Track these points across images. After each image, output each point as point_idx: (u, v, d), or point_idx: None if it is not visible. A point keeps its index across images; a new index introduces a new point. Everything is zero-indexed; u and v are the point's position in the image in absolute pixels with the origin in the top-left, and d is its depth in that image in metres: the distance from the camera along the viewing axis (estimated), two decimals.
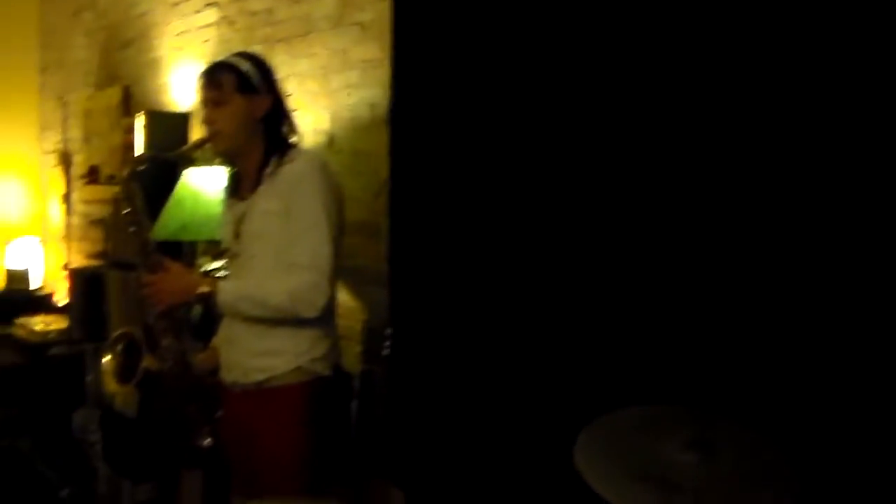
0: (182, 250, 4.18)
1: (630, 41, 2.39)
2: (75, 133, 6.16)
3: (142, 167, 2.92)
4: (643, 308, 2.39)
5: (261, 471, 2.71)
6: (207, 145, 2.76)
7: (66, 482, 4.83)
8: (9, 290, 6.78)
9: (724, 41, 2.21)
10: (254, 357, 2.67)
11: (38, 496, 4.88)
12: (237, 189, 2.80)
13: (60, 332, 5.70)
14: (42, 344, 5.65)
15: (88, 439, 4.44)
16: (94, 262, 5.45)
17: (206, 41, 4.90)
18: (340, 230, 2.67)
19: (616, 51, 2.42)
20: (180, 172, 4.06)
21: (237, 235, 2.71)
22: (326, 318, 2.70)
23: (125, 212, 2.79)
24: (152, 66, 5.39)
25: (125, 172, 2.91)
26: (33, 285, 6.80)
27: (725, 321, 2.22)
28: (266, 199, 2.63)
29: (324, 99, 3.97)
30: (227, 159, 2.86)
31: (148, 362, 2.87)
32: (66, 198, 6.00)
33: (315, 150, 3.68)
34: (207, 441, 2.85)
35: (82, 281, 5.24)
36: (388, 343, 3.14)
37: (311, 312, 2.59)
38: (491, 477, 2.76)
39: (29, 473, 4.98)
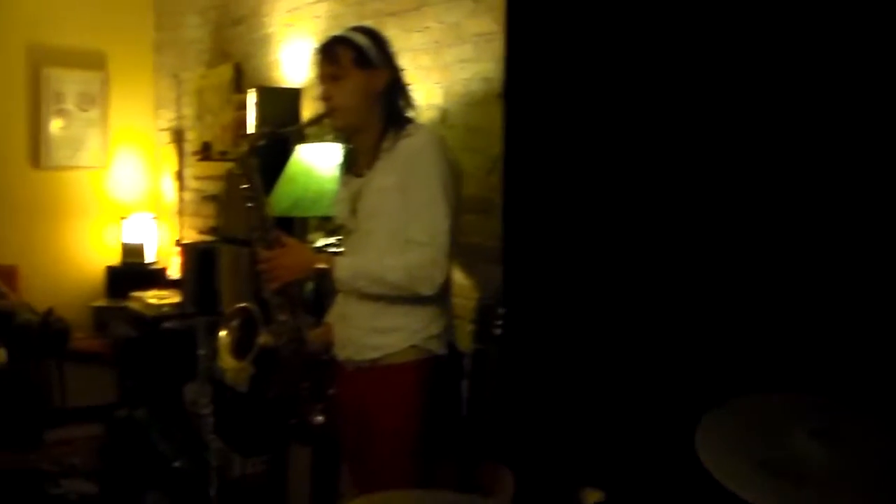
0: (293, 226, 4.21)
1: (752, 28, 2.31)
2: (188, 110, 6.25)
3: (260, 142, 2.92)
4: (765, 291, 2.31)
5: (372, 449, 2.71)
6: (325, 121, 2.75)
7: (180, 453, 4.93)
8: (124, 265, 6.94)
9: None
10: (368, 334, 2.65)
11: (153, 466, 4.99)
12: (353, 165, 2.77)
13: (173, 306, 5.81)
14: (156, 317, 5.77)
15: (200, 412, 4.51)
16: (206, 238, 5.52)
17: (316, 17, 4.90)
18: (457, 206, 2.62)
19: (738, 35, 2.35)
20: (292, 148, 4.08)
21: (353, 212, 2.68)
22: (442, 296, 2.67)
23: (243, 187, 2.78)
24: (263, 42, 5.43)
25: (244, 148, 2.90)
26: (148, 260, 6.94)
27: (849, 309, 2.14)
28: (383, 175, 2.60)
29: (436, 73, 3.94)
30: (343, 135, 2.85)
31: (264, 338, 2.87)
32: (179, 174, 6.10)
33: (431, 125, 3.64)
34: (319, 418, 2.85)
35: (195, 256, 5.32)
36: (500, 322, 3.10)
37: (428, 289, 2.56)
38: (602, 460, 2.71)
39: (144, 444, 5.09)
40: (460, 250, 2.84)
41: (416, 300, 2.59)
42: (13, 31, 6.79)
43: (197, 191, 6.35)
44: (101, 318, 6.70)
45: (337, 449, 3.15)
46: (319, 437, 3.10)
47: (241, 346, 2.98)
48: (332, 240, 3.81)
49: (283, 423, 3.74)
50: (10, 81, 6.84)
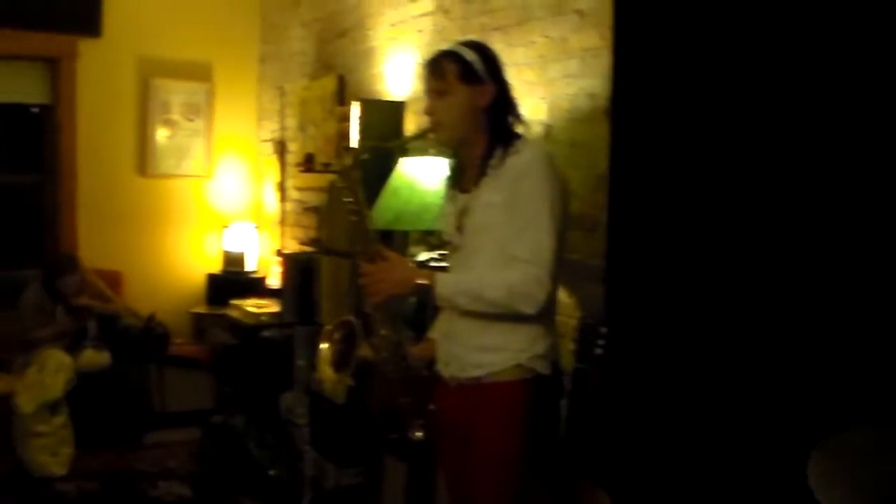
0: (394, 240, 4.21)
1: (866, 38, 2.23)
2: (291, 122, 6.33)
3: (365, 156, 2.92)
4: (881, 317, 2.22)
5: (473, 468, 2.67)
6: (430, 135, 2.74)
7: (274, 462, 4.97)
8: (225, 273, 7.05)
9: None
10: (472, 352, 2.63)
11: (248, 473, 5.04)
12: (459, 180, 2.75)
13: (272, 315, 5.85)
14: (254, 326, 5.83)
15: (296, 422, 4.53)
16: (306, 249, 5.57)
17: (420, 31, 4.92)
18: (565, 224, 2.59)
19: (850, 47, 2.26)
20: (395, 162, 4.09)
21: (459, 228, 2.67)
22: (548, 314, 2.63)
23: (346, 200, 2.78)
24: (367, 55, 5.46)
25: (348, 161, 2.91)
26: (248, 269, 7.03)
27: None
28: (490, 192, 2.58)
29: (541, 88, 3.91)
30: (450, 150, 2.83)
31: (364, 351, 2.87)
32: (281, 185, 6.17)
33: (540, 141, 3.61)
34: (419, 434, 2.83)
35: (295, 266, 5.36)
36: (602, 342, 3.05)
37: (530, 308, 2.52)
38: (703, 487, 2.64)
39: (240, 450, 5.15)
40: (563, 268, 2.80)
41: (521, 319, 2.55)
42: (124, 43, 6.97)
43: (298, 202, 6.41)
44: (200, 325, 6.82)
45: (433, 465, 3.13)
46: (417, 453, 3.08)
47: (341, 359, 2.99)
48: (433, 254, 3.81)
49: (381, 436, 3.74)
50: (121, 92, 7.03)
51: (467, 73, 2.61)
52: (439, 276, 2.63)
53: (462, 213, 2.66)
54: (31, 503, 4.95)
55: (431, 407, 2.82)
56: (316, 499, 4.36)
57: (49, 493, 5.08)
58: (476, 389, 2.64)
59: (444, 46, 2.81)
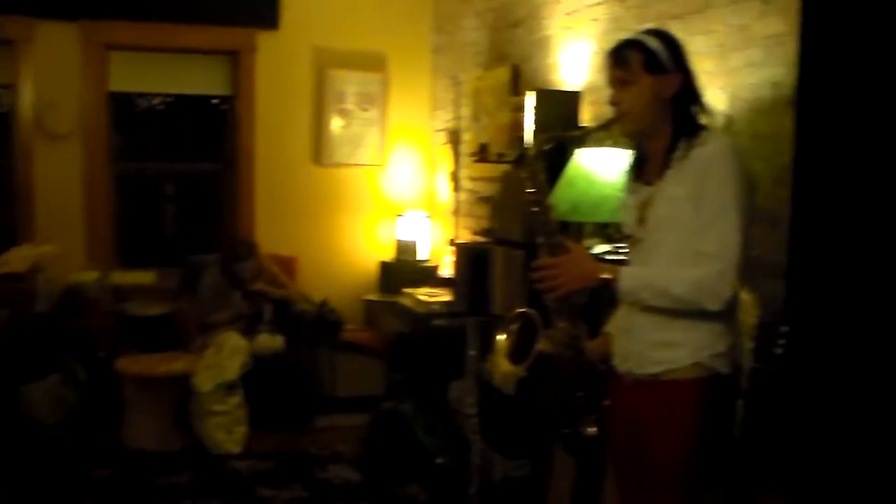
0: (568, 231, 4.16)
1: None
2: (465, 112, 6.34)
3: (548, 146, 2.88)
4: None
5: (643, 466, 2.61)
6: (614, 126, 2.68)
7: (442, 450, 5.00)
8: (398, 261, 7.13)
9: None
10: (652, 348, 2.56)
11: (415, 460, 5.09)
12: (641, 172, 2.69)
13: (444, 304, 5.87)
14: (426, 314, 5.86)
15: (465, 411, 4.54)
16: (479, 239, 5.57)
17: (595, 20, 4.84)
18: (750, 219, 2.49)
19: None
20: (570, 153, 4.04)
21: (641, 221, 2.60)
22: (730, 312, 2.54)
23: (528, 191, 2.75)
24: (541, 45, 5.42)
25: (531, 151, 2.88)
26: (420, 257, 7.10)
27: None
28: (674, 184, 2.50)
29: (721, 78, 3.78)
30: (633, 141, 2.77)
31: (542, 344, 2.84)
32: (455, 175, 6.19)
33: (725, 133, 3.49)
34: (592, 429, 2.79)
35: (467, 256, 5.36)
36: (782, 341, 2.93)
37: (715, 305, 2.44)
38: (887, 496, 2.51)
39: (408, 437, 5.20)
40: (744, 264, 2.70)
41: (703, 315, 2.47)
42: (301, 35, 7.15)
43: (472, 191, 6.42)
44: (372, 312, 6.92)
45: (603, 462, 3.08)
46: (587, 448, 3.02)
47: (517, 351, 2.96)
48: (609, 247, 3.75)
49: (551, 430, 3.71)
50: (298, 82, 7.20)
51: (651, 63, 2.55)
52: (622, 269, 2.58)
53: (644, 206, 2.59)
54: (206, 478, 5.14)
55: (605, 402, 2.77)
56: (482, 489, 4.37)
57: (224, 469, 5.26)
58: (653, 386, 2.57)
59: (621, 36, 2.74)
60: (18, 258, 3.30)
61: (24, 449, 5.30)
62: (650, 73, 2.55)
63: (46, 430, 5.43)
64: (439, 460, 4.96)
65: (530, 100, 4.82)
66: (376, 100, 7.32)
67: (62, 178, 6.84)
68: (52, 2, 6.68)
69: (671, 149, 2.54)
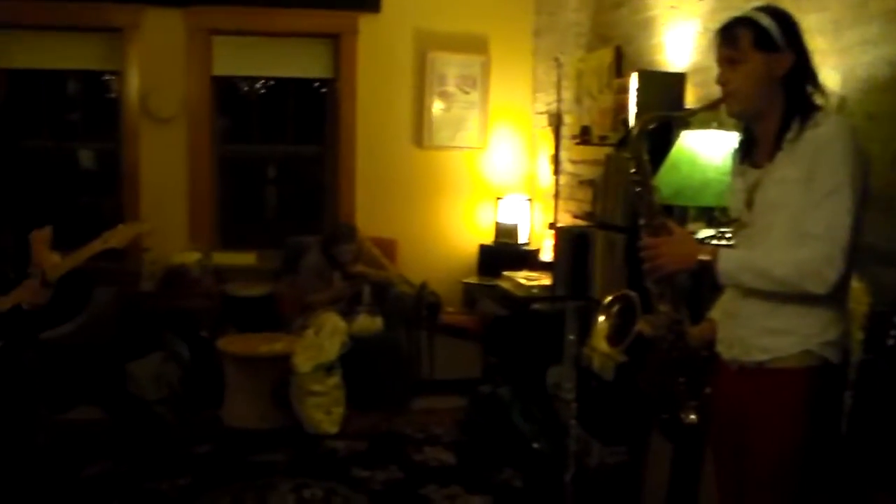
0: (672, 215, 4.08)
1: None
2: (567, 94, 6.26)
3: (651, 126, 2.81)
4: None
5: (747, 457, 2.53)
6: (721, 107, 2.60)
7: (539, 435, 4.97)
8: (497, 244, 7.11)
9: None
10: (758, 335, 2.47)
11: (511, 444, 5.06)
12: (750, 154, 2.59)
13: (543, 287, 5.83)
14: (525, 298, 5.82)
15: (562, 396, 4.50)
16: (580, 222, 5.51)
17: None
18: (863, 203, 2.38)
19: None
20: (676, 134, 3.95)
21: (749, 204, 2.51)
22: (840, 298, 2.44)
23: (631, 171, 2.69)
24: (645, 25, 5.31)
25: (634, 131, 2.81)
26: (521, 241, 7.06)
27: None
28: (785, 167, 2.41)
29: (833, 57, 3.64)
30: (740, 121, 2.68)
31: (641, 327, 2.78)
32: (556, 157, 6.12)
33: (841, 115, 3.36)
34: (692, 416, 2.71)
35: (568, 240, 5.30)
36: (894, 332, 2.82)
37: (819, 288, 2.33)
38: None
39: (504, 421, 5.18)
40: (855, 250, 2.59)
41: (812, 301, 2.37)
42: (402, 18, 7.16)
43: (573, 175, 6.35)
44: (471, 295, 6.91)
45: (702, 450, 3.01)
46: (686, 436, 2.96)
47: (617, 334, 2.91)
48: (713, 231, 3.65)
49: (650, 416, 3.64)
50: (400, 65, 7.22)
51: (762, 40, 2.45)
52: (722, 251, 2.49)
53: (752, 189, 2.50)
54: (304, 457, 5.19)
55: (707, 390, 2.69)
56: (578, 475, 4.32)
57: (321, 449, 5.31)
58: (758, 374, 2.49)
59: (729, 14, 2.64)
60: (118, 235, 3.37)
61: (129, 424, 5.42)
62: (761, 51, 2.45)
63: (150, 406, 5.55)
64: (535, 445, 4.93)
65: (634, 81, 4.73)
66: (477, 82, 7.29)
67: (167, 160, 6.99)
68: None
69: (783, 130, 2.44)
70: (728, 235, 3.10)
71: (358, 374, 5.81)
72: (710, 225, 3.77)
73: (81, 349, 5.78)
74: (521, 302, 5.80)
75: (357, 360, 5.79)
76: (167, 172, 7.01)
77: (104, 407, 5.69)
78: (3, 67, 6.83)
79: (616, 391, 4.02)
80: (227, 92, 7.40)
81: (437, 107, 7.26)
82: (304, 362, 5.56)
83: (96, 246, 3.36)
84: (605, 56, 5.59)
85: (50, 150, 7.04)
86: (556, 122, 6.14)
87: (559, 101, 6.00)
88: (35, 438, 3.62)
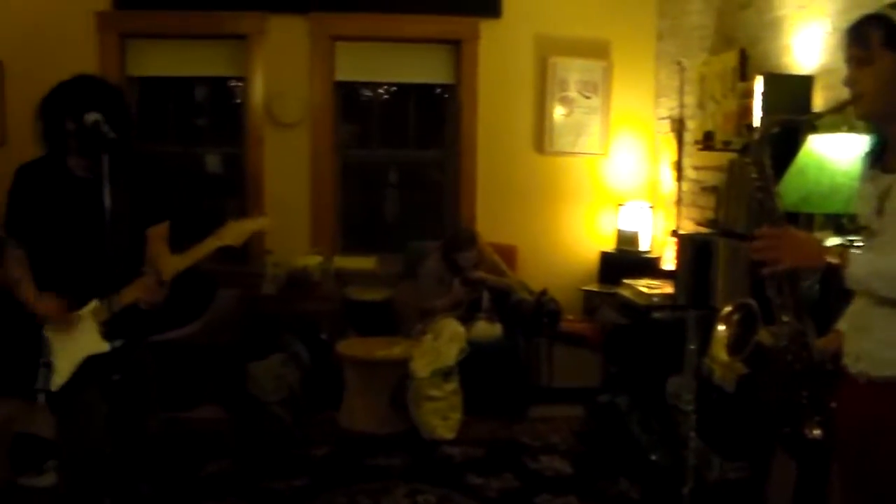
0: (798, 223, 3.94)
1: None
2: (689, 99, 6.13)
3: (774, 130, 2.71)
4: None
5: (877, 477, 2.40)
6: (849, 109, 2.48)
7: (657, 446, 4.86)
8: (618, 251, 7.01)
9: None
10: (889, 348, 2.34)
11: (629, 455, 4.97)
12: (881, 158, 2.46)
13: (664, 296, 5.72)
14: (646, 307, 5.73)
15: (681, 407, 4.39)
16: (703, 230, 5.38)
17: None
18: None
19: None
20: (802, 139, 3.81)
21: (879, 212, 2.37)
22: None
23: (752, 177, 2.59)
24: (772, 26, 5.15)
25: (755, 135, 2.72)
26: (642, 248, 6.95)
27: None
28: None
29: None
30: (871, 125, 2.56)
31: (762, 336, 2.68)
32: (678, 164, 6.00)
33: None
34: (817, 432, 2.59)
35: (690, 247, 5.19)
36: None
37: None
38: None
39: (622, 431, 5.09)
40: None
41: None
42: (523, 23, 7.12)
43: (695, 181, 6.22)
44: (591, 303, 6.82)
45: (827, 467, 2.88)
46: (810, 452, 2.83)
47: (736, 343, 2.81)
48: (841, 239, 3.51)
49: (772, 431, 3.52)
50: (521, 70, 7.19)
51: (894, 39, 2.33)
52: (853, 254, 2.37)
53: (883, 196, 2.36)
54: (418, 462, 5.20)
55: (833, 404, 2.58)
56: (697, 489, 4.20)
57: (437, 454, 5.31)
58: (889, 390, 2.36)
59: (861, 12, 2.51)
60: (232, 232, 3.38)
61: (248, 424, 5.52)
62: (892, 50, 2.33)
63: (269, 407, 5.63)
64: (653, 457, 4.83)
65: (759, 85, 4.60)
66: (599, 87, 7.20)
67: (290, 165, 7.11)
68: None
69: None
70: (857, 244, 2.96)
71: (476, 380, 5.79)
72: (837, 233, 3.63)
73: (204, 349, 5.92)
74: (642, 310, 5.71)
75: (475, 366, 5.77)
76: (290, 176, 7.12)
77: (225, 406, 5.82)
78: (136, 75, 7.04)
79: (738, 403, 3.90)
80: (349, 97, 7.48)
81: (558, 112, 7.20)
82: (422, 367, 5.58)
83: (211, 244, 3.36)
84: (730, 59, 5.44)
85: (177, 155, 7.22)
86: (678, 127, 6.03)
87: (682, 105, 5.89)
88: (150, 438, 3.67)
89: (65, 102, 3.27)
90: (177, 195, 3.80)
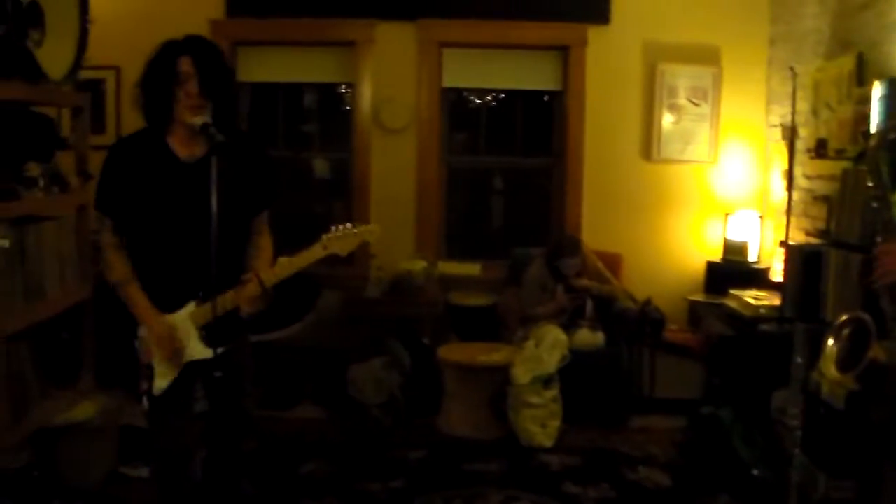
0: None
1: None
2: (802, 105, 5.97)
3: (892, 136, 2.61)
4: None
5: None
6: None
7: (760, 462, 4.74)
8: (725, 261, 6.88)
9: None
10: None
11: (730, 469, 4.86)
12: None
13: (772, 308, 5.59)
14: (752, 318, 5.61)
15: (787, 423, 4.27)
16: (813, 240, 5.24)
17: None
18: None
19: None
20: None
21: None
22: None
23: (868, 186, 2.51)
24: (893, 29, 4.96)
25: (872, 142, 2.63)
26: (750, 259, 6.80)
27: None
28: None
29: None
30: None
31: (875, 353, 2.58)
32: (789, 172, 5.84)
33: None
34: None
35: (799, 258, 5.07)
36: None
37: None
38: None
39: (724, 445, 4.98)
40: None
41: None
42: (631, 29, 7.06)
43: (807, 190, 6.05)
44: (696, 313, 6.70)
45: None
46: None
47: (847, 358, 2.72)
48: None
49: (883, 449, 3.39)
50: (627, 77, 7.12)
51: None
52: None
53: None
54: (516, 469, 5.17)
55: None
56: None
57: (534, 462, 5.28)
58: None
59: None
60: (341, 241, 3.29)
61: (347, 425, 5.55)
62: None
63: (368, 409, 5.67)
64: (755, 472, 4.71)
65: (877, 90, 4.45)
66: (709, 94, 7.07)
67: (396, 170, 7.16)
68: (393, 4, 7.04)
69: None
70: None
71: (576, 388, 5.75)
72: None
73: (306, 350, 5.99)
74: (748, 322, 5.59)
75: (576, 374, 5.72)
76: (396, 182, 7.17)
77: (325, 407, 5.87)
78: (247, 81, 7.17)
79: (846, 421, 3.77)
80: (456, 103, 7.50)
81: (666, 119, 7.09)
82: (522, 374, 5.55)
83: (317, 252, 3.27)
84: (846, 64, 5.28)
85: (286, 160, 7.33)
86: (790, 134, 5.86)
87: (794, 112, 5.73)
88: (245, 445, 3.64)
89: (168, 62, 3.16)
90: (281, 183, 3.67)
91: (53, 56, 4.14)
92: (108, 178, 3.28)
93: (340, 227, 3.32)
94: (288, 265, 3.30)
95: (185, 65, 3.12)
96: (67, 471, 4.43)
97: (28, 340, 4.12)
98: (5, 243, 3.77)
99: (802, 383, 4.13)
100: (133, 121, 3.37)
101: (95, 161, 3.44)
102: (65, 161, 4.63)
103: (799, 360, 4.20)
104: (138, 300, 3.28)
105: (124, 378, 3.34)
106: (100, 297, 4.41)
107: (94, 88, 6.44)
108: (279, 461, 5.11)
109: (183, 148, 3.27)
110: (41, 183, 4.25)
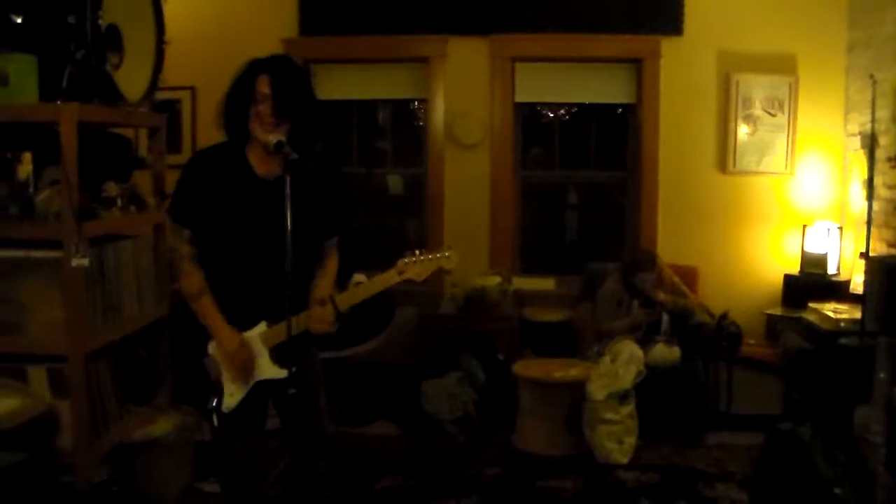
0: None
1: None
2: (882, 113, 5.86)
3: None
4: None
5: None
6: None
7: (841, 480, 4.64)
8: (803, 274, 6.76)
9: None
10: None
11: (810, 487, 4.76)
12: None
13: (852, 321, 5.49)
14: (832, 332, 5.52)
15: (870, 439, 4.19)
16: (895, 252, 5.13)
17: None
18: None
19: None
20: None
21: None
22: None
23: None
24: None
25: None
26: (829, 271, 6.68)
27: None
28: None
29: None
30: None
31: None
32: (869, 182, 5.73)
33: None
34: None
35: (881, 270, 4.98)
36: None
37: None
38: None
39: (804, 462, 4.88)
40: None
41: None
42: (705, 39, 7.01)
43: (888, 200, 5.93)
44: (773, 327, 6.60)
45: None
46: None
47: None
48: None
49: None
50: (702, 87, 7.07)
51: None
52: None
53: None
54: (591, 486, 5.14)
55: None
56: None
57: (610, 479, 5.24)
58: None
59: None
60: (417, 267, 3.25)
61: (422, 441, 5.57)
62: None
63: (443, 425, 5.69)
64: (837, 490, 4.60)
65: None
66: (785, 104, 6.97)
67: (470, 185, 7.21)
68: (466, 19, 7.09)
69: None
70: None
71: (652, 404, 5.70)
72: None
73: (381, 366, 6.03)
74: (828, 336, 5.49)
75: (652, 389, 5.68)
76: (470, 197, 7.22)
77: (399, 423, 5.90)
78: (321, 99, 7.26)
79: None
80: (529, 118, 7.51)
81: (742, 131, 7.01)
82: (598, 389, 5.52)
83: (392, 277, 3.27)
84: None
85: (360, 176, 7.41)
86: (869, 144, 5.77)
87: (873, 121, 5.63)
88: (320, 463, 3.63)
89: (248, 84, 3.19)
90: (354, 210, 3.66)
91: (131, 78, 4.25)
92: (187, 189, 3.30)
93: (417, 252, 3.30)
94: (362, 291, 3.33)
95: (263, 84, 3.16)
96: (144, 486, 4.52)
97: (107, 358, 4.22)
98: (85, 262, 3.85)
99: (886, 399, 4.05)
100: (208, 140, 3.41)
101: (172, 180, 3.48)
102: (142, 181, 4.76)
103: (882, 374, 4.12)
104: (211, 312, 3.29)
105: (195, 396, 3.38)
106: (174, 315, 4.50)
107: (170, 108, 6.61)
108: (354, 478, 5.15)
109: (261, 165, 3.28)
110: (119, 202, 4.38)
